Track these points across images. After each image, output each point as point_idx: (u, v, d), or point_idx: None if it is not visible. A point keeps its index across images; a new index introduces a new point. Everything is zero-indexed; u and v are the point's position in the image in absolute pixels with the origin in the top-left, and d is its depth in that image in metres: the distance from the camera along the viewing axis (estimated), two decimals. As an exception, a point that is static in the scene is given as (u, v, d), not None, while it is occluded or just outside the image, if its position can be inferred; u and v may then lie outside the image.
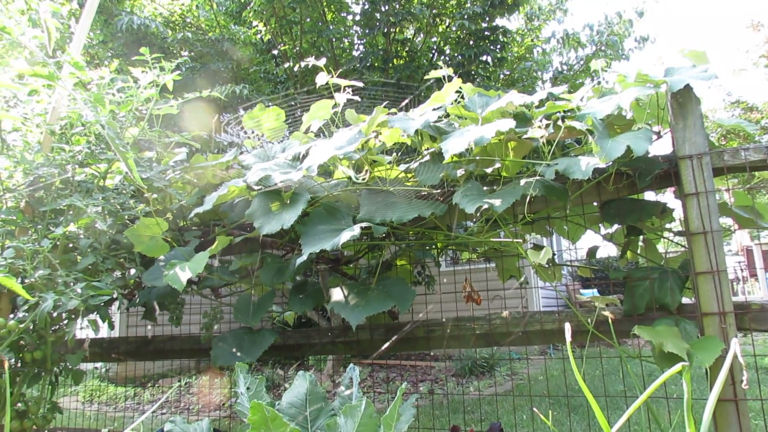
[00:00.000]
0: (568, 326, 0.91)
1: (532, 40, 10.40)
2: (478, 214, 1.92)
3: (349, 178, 2.03)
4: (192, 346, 2.54)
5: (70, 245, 2.05)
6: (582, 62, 10.01)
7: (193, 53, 7.65)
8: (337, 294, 1.95)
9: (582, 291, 11.32)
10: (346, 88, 2.08)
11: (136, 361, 2.79)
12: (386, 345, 2.14)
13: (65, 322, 2.02)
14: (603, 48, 9.77)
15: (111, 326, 2.08)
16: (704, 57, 1.75)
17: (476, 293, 2.64)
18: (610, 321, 1.81)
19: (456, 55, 8.00)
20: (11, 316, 1.89)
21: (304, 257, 1.67)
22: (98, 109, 1.86)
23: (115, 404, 6.03)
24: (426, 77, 2.30)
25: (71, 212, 2.01)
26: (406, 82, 7.13)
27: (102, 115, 1.84)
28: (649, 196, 2.12)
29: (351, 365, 1.75)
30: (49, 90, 2.09)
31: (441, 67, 2.09)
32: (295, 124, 2.32)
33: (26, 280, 1.80)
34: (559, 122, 1.75)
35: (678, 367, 0.95)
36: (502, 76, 9.22)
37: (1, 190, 2.02)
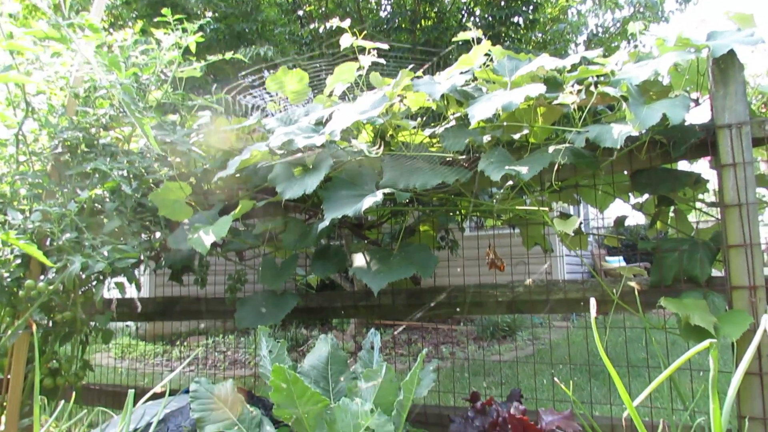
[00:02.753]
0: (593, 302, 0.88)
1: (566, 1, 10.04)
2: (504, 182, 1.88)
3: (373, 141, 2.00)
4: (217, 307, 2.58)
5: (97, 206, 2.07)
6: (618, 25, 9.65)
7: (216, 14, 7.57)
8: (359, 259, 1.95)
9: (608, 258, 11.22)
10: (371, 51, 2.03)
11: (164, 321, 2.85)
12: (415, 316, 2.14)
13: (93, 283, 2.06)
14: (641, 10, 9.39)
15: (138, 288, 2.12)
16: (751, 20, 1.66)
17: (500, 260, 2.62)
18: (636, 292, 1.78)
19: (486, 16, 7.77)
20: (41, 277, 1.93)
21: (327, 223, 1.66)
22: (114, 73, 1.85)
23: (145, 361, 6.23)
24: (454, 39, 2.23)
25: (96, 175, 2.02)
26: (435, 43, 6.97)
27: (118, 80, 1.83)
28: (683, 165, 2.06)
29: (372, 330, 1.76)
30: (72, 52, 2.08)
31: (470, 29, 2.02)
32: (320, 86, 2.29)
33: (54, 243, 1.84)
34: (592, 88, 1.69)
35: (705, 344, 0.93)
36: (533, 38, 8.95)
37: (27, 154, 2.05)
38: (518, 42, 7.83)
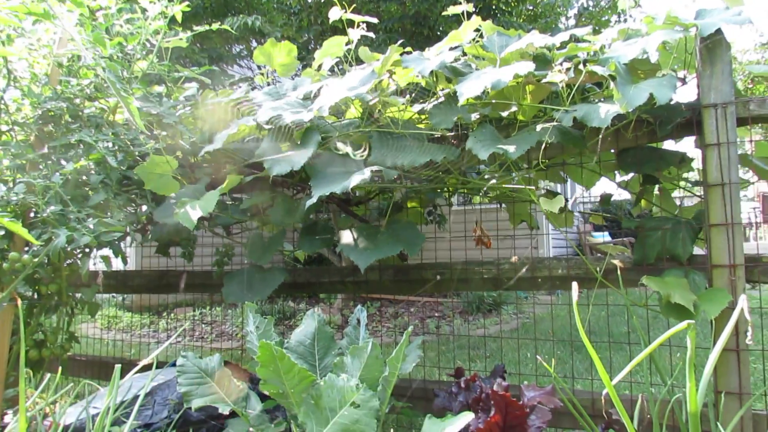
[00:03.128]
0: (575, 285, 0.90)
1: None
2: (492, 160, 1.88)
3: (361, 117, 1.99)
4: (204, 281, 2.59)
5: (83, 177, 2.05)
6: (609, -3, 9.58)
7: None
8: (346, 236, 1.96)
9: (593, 233, 11.33)
10: (360, 24, 2.01)
11: (150, 294, 2.86)
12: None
13: (79, 255, 2.05)
14: (632, -18, 9.31)
15: (124, 261, 2.11)
16: (739, -1, 1.66)
17: (486, 237, 2.64)
18: (618, 270, 1.81)
19: (477, -13, 7.66)
20: (26, 248, 1.92)
21: (314, 200, 1.66)
22: (98, 50, 1.81)
23: (132, 331, 6.24)
24: (444, 13, 2.21)
25: (81, 147, 2.00)
26: (425, 14, 6.87)
27: (102, 57, 1.79)
28: (668, 144, 2.07)
29: (359, 307, 1.77)
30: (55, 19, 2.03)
31: (460, 2, 2.00)
32: (309, 57, 2.26)
33: (38, 216, 1.82)
34: (581, 66, 1.68)
35: (683, 325, 0.95)
36: (524, 11, 8.86)
37: (10, 123, 2.01)
38: (509, 15, 7.75)
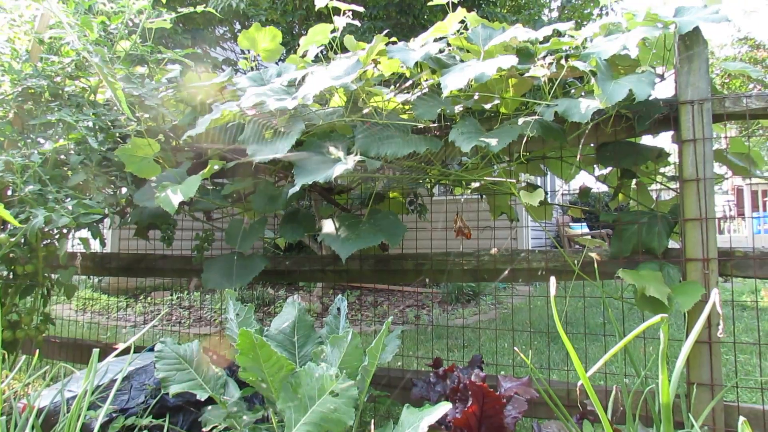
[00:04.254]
0: (553, 280, 0.92)
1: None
2: (474, 152, 1.90)
3: (345, 107, 1.99)
4: (184, 266, 2.57)
5: (62, 156, 2.02)
6: (592, -11, 9.63)
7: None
8: (328, 226, 1.96)
9: (572, 224, 11.47)
10: (346, 12, 2.00)
11: (128, 277, 2.83)
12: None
13: (56, 235, 2.03)
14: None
15: (102, 243, 2.09)
16: (717, -4, 1.69)
17: (467, 228, 2.66)
18: (595, 263, 1.84)
19: (462, -24, 7.63)
20: (1, 227, 1.89)
21: (297, 188, 1.66)
22: (84, 32, 1.78)
23: (107, 314, 6.18)
24: (430, 3, 2.21)
25: (61, 126, 1.97)
26: (410, 2, 6.84)
27: (90, 42, 1.76)
28: (646, 139, 2.10)
29: (339, 296, 1.78)
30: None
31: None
32: (293, 42, 2.25)
33: (16, 194, 1.79)
34: (563, 61, 1.70)
35: (656, 319, 0.98)
36: (508, 1, 8.87)
37: (-13, 101, 1.98)
38: (493, 5, 7.74)
